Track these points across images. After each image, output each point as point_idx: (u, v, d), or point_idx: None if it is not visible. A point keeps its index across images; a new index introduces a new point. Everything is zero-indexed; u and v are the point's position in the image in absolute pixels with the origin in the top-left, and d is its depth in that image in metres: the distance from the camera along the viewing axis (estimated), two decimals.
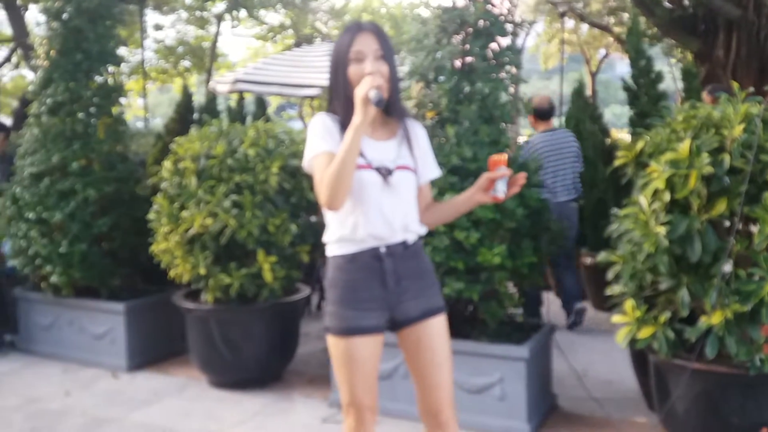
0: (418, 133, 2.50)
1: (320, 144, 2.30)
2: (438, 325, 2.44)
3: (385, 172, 2.33)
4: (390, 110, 2.40)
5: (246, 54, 25.46)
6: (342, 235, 2.36)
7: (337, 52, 2.37)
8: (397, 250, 2.37)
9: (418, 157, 2.46)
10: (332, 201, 2.22)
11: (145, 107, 12.15)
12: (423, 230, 2.47)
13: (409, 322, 2.41)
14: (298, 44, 19.91)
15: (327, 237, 2.42)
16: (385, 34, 2.39)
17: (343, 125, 2.30)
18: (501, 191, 2.35)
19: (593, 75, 24.74)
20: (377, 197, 2.32)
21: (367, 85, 2.19)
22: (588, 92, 22.19)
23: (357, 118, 2.19)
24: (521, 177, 2.41)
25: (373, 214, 2.32)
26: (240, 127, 4.69)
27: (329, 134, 2.31)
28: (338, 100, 2.37)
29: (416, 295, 2.41)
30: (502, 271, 3.65)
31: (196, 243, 4.41)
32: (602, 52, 25.71)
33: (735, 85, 3.34)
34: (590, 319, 6.14)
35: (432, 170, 2.54)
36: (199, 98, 6.21)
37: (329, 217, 2.39)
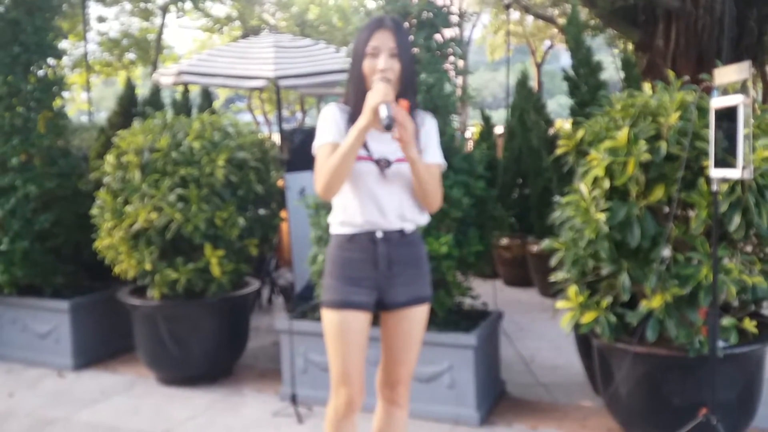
0: (426, 123, 2.59)
1: (326, 135, 2.44)
2: (421, 313, 2.59)
3: (384, 164, 2.44)
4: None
5: (192, 46, 25.06)
6: (343, 218, 2.50)
7: (355, 46, 2.48)
8: (393, 236, 2.49)
9: (422, 145, 2.53)
10: (325, 191, 2.38)
11: (89, 101, 11.83)
12: (423, 220, 2.59)
13: (395, 306, 2.54)
14: (245, 36, 19.67)
15: (331, 218, 2.58)
16: (405, 31, 2.48)
17: (353, 117, 2.43)
18: (384, 114, 2.28)
19: (539, 66, 25.08)
20: (372, 187, 2.44)
21: (381, 96, 2.27)
22: (533, 83, 22.51)
23: (362, 121, 2.30)
24: (404, 102, 2.39)
25: (368, 202, 2.45)
26: (185, 119, 4.63)
27: (336, 126, 2.45)
28: (352, 91, 2.49)
29: (406, 282, 2.53)
30: (449, 260, 3.69)
31: (141, 238, 4.35)
32: (547, 43, 26.06)
33: (671, 74, 3.42)
34: (537, 306, 6.26)
35: (431, 155, 2.54)
36: (144, 91, 6.11)
37: (334, 201, 2.51)
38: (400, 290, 2.53)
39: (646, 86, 6.09)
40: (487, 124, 7.31)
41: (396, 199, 2.48)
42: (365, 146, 2.43)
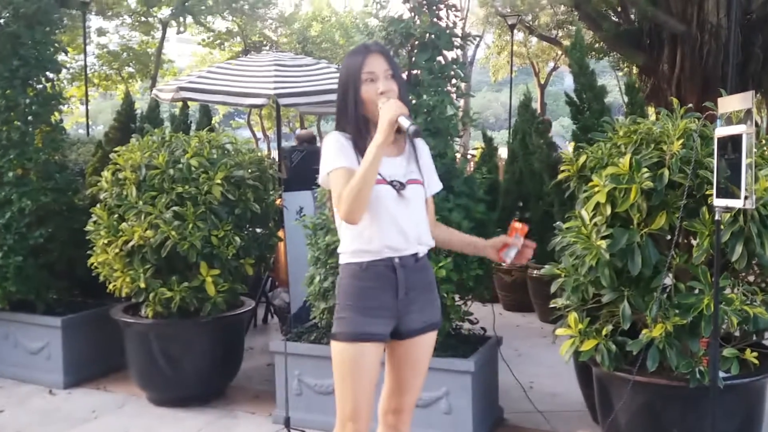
0: (422, 148, 2.59)
1: (336, 160, 2.37)
2: (431, 339, 2.56)
3: (399, 186, 2.41)
4: (398, 127, 2.44)
5: (192, 61, 25.15)
6: (358, 246, 2.42)
7: (347, 74, 2.44)
8: (408, 261, 2.44)
9: (424, 171, 2.55)
10: (352, 215, 2.30)
11: (87, 114, 11.83)
12: (432, 243, 2.55)
13: (410, 334, 2.49)
14: (246, 51, 19.75)
15: (342, 248, 2.48)
16: (391, 54, 2.54)
17: (355, 143, 2.40)
18: (509, 257, 2.53)
19: (542, 87, 25.15)
20: (392, 210, 2.39)
21: (397, 109, 2.26)
22: (536, 105, 22.57)
23: (380, 137, 2.26)
24: (530, 251, 2.55)
25: (388, 226, 2.39)
26: (183, 136, 4.59)
27: (343, 152, 2.38)
28: (348, 119, 2.44)
29: (421, 308, 2.49)
30: (448, 284, 3.64)
31: (136, 255, 4.30)
32: (551, 64, 26.18)
33: (675, 101, 3.39)
34: (536, 331, 6.19)
35: (435, 184, 2.63)
36: (143, 105, 6.09)
37: (344, 229, 2.44)
38: (415, 316, 2.48)
39: (650, 111, 6.07)
40: (489, 146, 7.27)
41: (414, 221, 2.45)
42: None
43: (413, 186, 2.46)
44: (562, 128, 34.16)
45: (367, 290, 2.41)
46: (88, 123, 11.85)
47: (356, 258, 2.43)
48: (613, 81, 26.91)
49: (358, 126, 2.42)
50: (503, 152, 9.62)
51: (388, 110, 2.27)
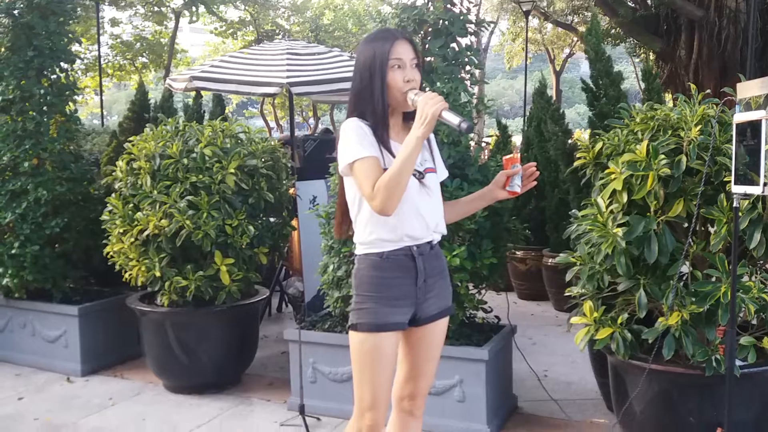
0: (431, 138, 2.57)
1: (361, 149, 2.30)
2: (444, 325, 2.58)
3: (418, 175, 2.39)
4: (413, 116, 2.40)
5: (205, 50, 25.18)
6: (379, 235, 2.39)
7: (373, 57, 2.36)
8: (425, 249, 2.44)
9: (436, 159, 2.56)
10: (387, 207, 2.25)
11: (101, 104, 11.86)
12: (445, 231, 2.56)
13: (427, 320, 2.50)
14: (258, 40, 19.73)
15: (360, 238, 2.44)
16: (416, 43, 2.48)
17: (374, 130, 2.34)
18: (517, 186, 2.51)
19: (557, 74, 24.96)
20: (415, 199, 2.38)
21: (440, 104, 2.20)
22: (552, 92, 22.42)
23: (422, 129, 2.21)
24: (534, 170, 2.54)
25: (411, 215, 2.38)
26: (196, 126, 4.60)
27: (367, 140, 2.32)
28: (374, 104, 2.36)
29: (438, 294, 2.51)
30: (461, 273, 3.62)
31: (151, 244, 4.32)
32: (567, 51, 25.97)
33: (693, 87, 3.35)
34: (551, 320, 6.17)
35: (443, 172, 2.64)
36: (156, 95, 6.10)
37: (364, 219, 2.40)
38: (432, 302, 2.49)
39: (668, 98, 5.99)
40: (504, 133, 7.24)
41: (435, 209, 2.46)
42: (395, 158, 2.32)
43: (430, 174, 2.46)
44: (578, 115, 33.93)
45: (388, 280, 2.40)
46: (102, 113, 11.86)
47: (375, 248, 2.40)
48: (629, 67, 26.70)
49: (380, 112, 2.35)
50: (518, 140, 9.57)
51: (432, 103, 2.20)
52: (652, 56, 11.82)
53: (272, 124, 24.02)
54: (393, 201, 2.24)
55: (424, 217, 2.41)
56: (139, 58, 20.10)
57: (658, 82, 4.65)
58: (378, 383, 2.40)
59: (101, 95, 12.29)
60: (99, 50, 13.66)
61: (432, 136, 2.58)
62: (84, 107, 22.36)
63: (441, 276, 2.53)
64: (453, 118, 2.22)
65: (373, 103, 2.36)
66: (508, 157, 2.54)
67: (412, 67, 2.38)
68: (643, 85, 4.66)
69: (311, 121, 24.69)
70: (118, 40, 19.50)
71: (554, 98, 21.80)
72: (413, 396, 2.59)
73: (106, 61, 19.26)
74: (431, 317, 2.50)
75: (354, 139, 2.31)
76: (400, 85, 2.34)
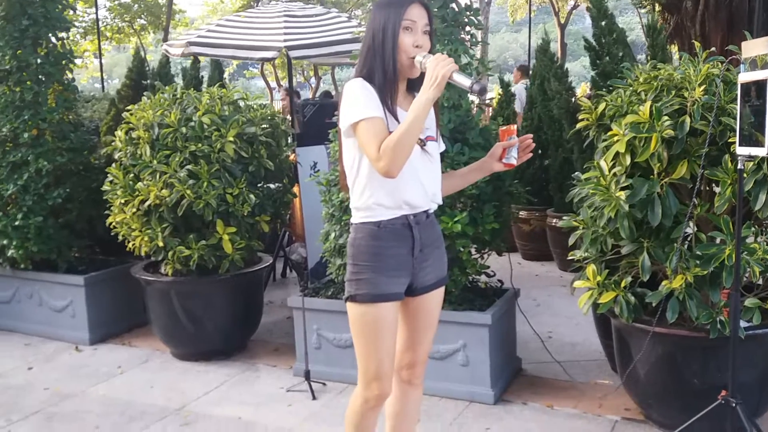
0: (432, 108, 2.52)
1: (365, 109, 2.25)
2: (441, 293, 2.58)
3: (420, 142, 2.37)
4: (416, 84, 2.39)
5: (204, 10, 24.89)
6: (377, 200, 2.34)
7: (386, 18, 2.32)
8: (421, 218, 2.43)
9: (436, 128, 2.51)
10: (393, 169, 2.21)
11: (101, 68, 11.74)
12: (441, 201, 2.53)
13: (423, 290, 2.49)
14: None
15: (357, 203, 2.40)
16: (431, 9, 2.41)
17: (381, 90, 2.30)
18: (513, 157, 2.48)
19: (562, 27, 24.52)
20: (417, 165, 2.35)
21: (451, 65, 2.16)
22: (557, 45, 22.07)
23: (433, 92, 2.18)
24: (530, 142, 2.51)
25: (411, 181, 2.35)
26: (194, 93, 4.54)
27: (372, 100, 2.28)
28: (384, 65, 2.31)
29: (433, 264, 2.50)
30: (464, 239, 3.60)
31: (153, 214, 4.31)
32: (572, 2, 25.49)
33: (697, 45, 3.27)
34: (556, 280, 6.17)
35: (441, 143, 2.61)
36: (156, 57, 6.04)
37: (361, 182, 2.36)
38: (428, 272, 2.48)
39: (673, 50, 5.85)
40: (506, 92, 7.14)
41: (433, 177, 2.44)
42: (399, 122, 2.28)
43: (431, 143, 2.43)
44: (583, 68, 33.51)
45: (385, 249, 2.37)
46: (102, 77, 11.76)
47: (373, 217, 2.37)
48: (635, 18, 26.22)
49: (388, 72, 2.30)
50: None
51: (444, 65, 2.16)
52: (657, 7, 11.59)
53: (273, 84, 23.84)
54: (399, 163, 2.20)
55: (423, 184, 2.38)
56: (138, 20, 19.87)
57: (663, 36, 4.55)
58: (382, 353, 2.39)
59: (100, 59, 12.16)
60: (97, 13, 13.50)
61: (432, 109, 2.51)
62: (84, 71, 22.18)
63: (436, 245, 2.51)
64: (464, 80, 2.17)
65: (384, 63, 2.31)
66: (504, 128, 2.51)
67: (424, 33, 2.32)
68: (648, 41, 4.57)
69: (312, 80, 24.46)
70: (116, 2, 19.26)
71: (559, 52, 21.44)
72: (412, 365, 2.60)
73: (105, 24, 19.05)
74: (427, 287, 2.49)
75: (361, 99, 2.26)
76: (409, 48, 2.29)
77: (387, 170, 2.21)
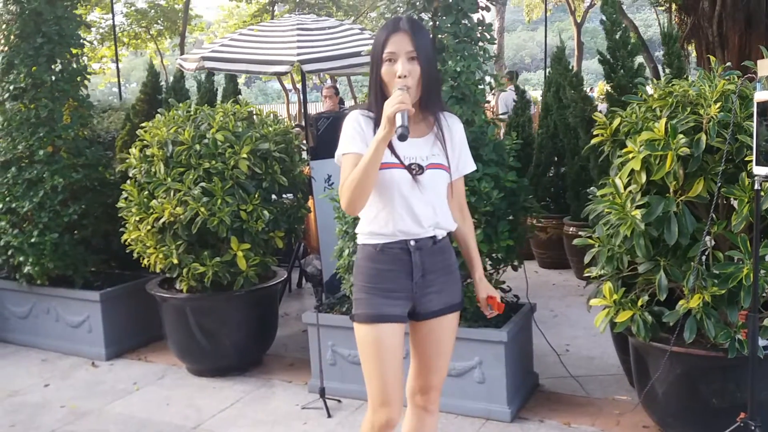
0: (453, 127, 2.51)
1: (349, 144, 2.34)
2: (453, 320, 2.53)
3: (417, 170, 2.35)
4: (426, 106, 2.41)
5: (220, 15, 24.98)
6: (373, 229, 2.40)
7: (373, 51, 2.40)
8: (425, 244, 2.41)
9: (453, 153, 2.48)
10: (350, 207, 2.29)
11: (117, 74, 11.81)
12: (453, 226, 2.51)
13: (428, 315, 2.47)
14: (272, 2, 19.49)
15: (359, 228, 2.47)
16: (423, 31, 2.39)
17: (377, 123, 2.32)
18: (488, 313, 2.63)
19: (579, 26, 24.34)
20: (406, 194, 2.35)
21: (395, 105, 2.16)
22: (573, 43, 21.91)
23: (380, 132, 2.20)
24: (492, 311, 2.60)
25: (402, 211, 2.36)
26: (207, 110, 4.55)
27: (359, 135, 2.34)
28: (372, 96, 2.41)
29: (440, 290, 2.46)
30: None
31: (167, 232, 4.32)
32: (588, 1, 25.28)
33: (713, 59, 3.22)
34: (573, 289, 6.11)
35: (467, 165, 2.57)
36: (173, 61, 6.08)
37: (362, 211, 2.42)
38: (433, 298, 2.45)
39: (690, 49, 5.67)
40: (522, 98, 7.09)
41: (431, 207, 2.39)
42: (395, 153, 2.33)
43: (434, 170, 2.38)
44: (599, 67, 33.28)
45: (382, 272, 2.39)
46: (119, 83, 11.82)
47: (372, 240, 2.41)
48: (652, 15, 26.00)
49: (378, 105, 2.33)
50: (538, 95, 9.44)
51: (389, 105, 2.18)
52: (674, 7, 11.47)
53: (289, 87, 23.87)
54: (356, 202, 2.26)
55: (416, 214, 2.36)
56: (154, 25, 19.98)
57: (678, 46, 4.49)
58: (385, 375, 2.38)
59: (117, 65, 12.24)
60: (113, 19, 13.61)
61: (457, 128, 2.50)
62: (102, 77, 22.34)
63: (445, 272, 2.48)
64: (398, 121, 2.15)
65: (375, 96, 2.39)
66: (492, 297, 2.59)
67: (410, 60, 2.31)
68: (664, 49, 4.50)
69: (328, 81, 24.46)
70: (133, 9, 19.40)
71: (576, 50, 21.25)
72: (425, 390, 2.57)
73: (122, 30, 19.19)
74: (434, 313, 2.46)
75: (347, 133, 2.35)
76: (390, 80, 2.33)
77: (345, 207, 2.30)
